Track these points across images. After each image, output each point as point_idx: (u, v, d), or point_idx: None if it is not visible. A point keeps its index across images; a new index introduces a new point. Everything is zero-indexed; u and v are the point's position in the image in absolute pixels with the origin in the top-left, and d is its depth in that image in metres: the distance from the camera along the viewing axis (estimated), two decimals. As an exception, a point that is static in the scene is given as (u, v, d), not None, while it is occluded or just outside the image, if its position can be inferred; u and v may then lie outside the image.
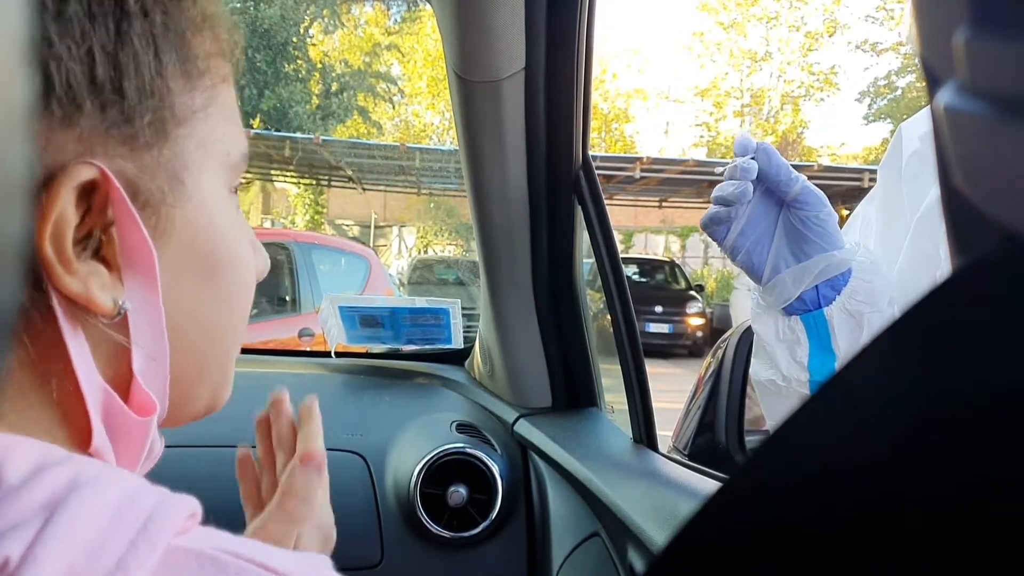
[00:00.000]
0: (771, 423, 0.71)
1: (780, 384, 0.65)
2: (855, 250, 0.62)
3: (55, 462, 0.27)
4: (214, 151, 0.34)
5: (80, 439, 0.31)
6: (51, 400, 0.30)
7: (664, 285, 9.71)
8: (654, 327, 8.36)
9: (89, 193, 0.29)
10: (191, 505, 0.28)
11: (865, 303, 0.61)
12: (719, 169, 0.64)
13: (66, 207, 0.28)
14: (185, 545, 0.26)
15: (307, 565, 0.28)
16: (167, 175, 0.32)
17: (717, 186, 0.62)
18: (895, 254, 0.71)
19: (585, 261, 1.01)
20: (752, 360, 0.70)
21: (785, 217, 0.63)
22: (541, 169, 0.90)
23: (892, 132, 0.76)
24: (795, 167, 0.64)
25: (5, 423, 0.29)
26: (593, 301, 1.04)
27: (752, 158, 0.61)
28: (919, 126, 0.71)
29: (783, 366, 0.65)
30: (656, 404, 0.89)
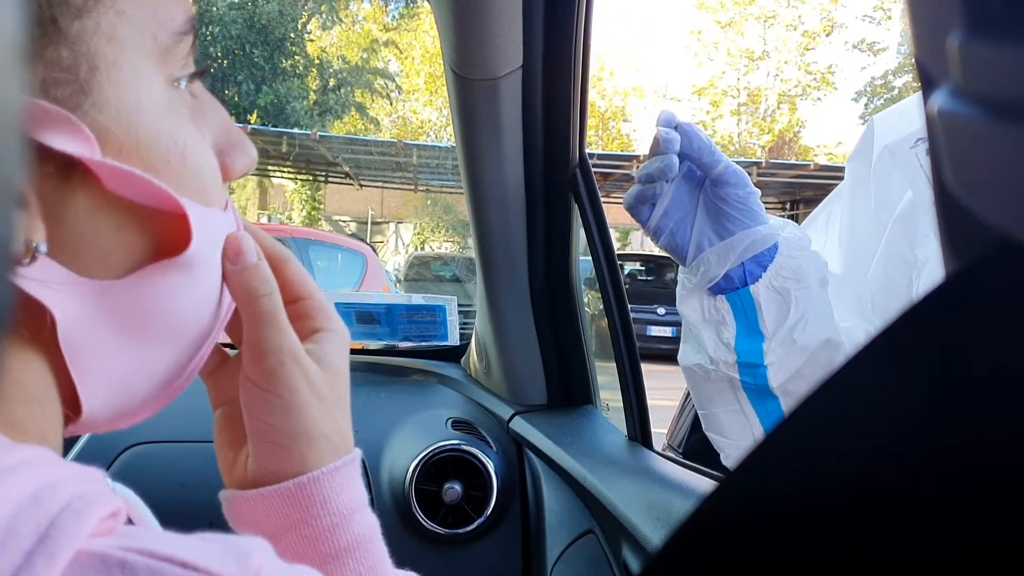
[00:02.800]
0: (701, 412, 0.68)
1: (708, 368, 0.64)
2: (780, 225, 0.61)
3: None
4: (132, 39, 0.28)
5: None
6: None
7: (671, 284, 9.64)
8: (656, 330, 7.58)
9: None
10: (111, 504, 0.24)
11: (792, 279, 0.60)
12: (643, 155, 0.63)
13: None
14: (91, 549, 0.23)
15: (239, 558, 0.24)
16: (68, 85, 0.27)
17: (641, 165, 0.61)
18: (863, 250, 0.71)
19: (581, 259, 1.01)
20: (680, 346, 0.68)
21: (707, 196, 0.62)
22: (538, 167, 0.90)
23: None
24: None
25: None
26: (595, 300, 1.04)
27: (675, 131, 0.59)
28: (891, 119, 0.70)
29: (710, 348, 0.63)
30: (651, 402, 0.89)
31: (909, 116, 0.67)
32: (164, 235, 0.30)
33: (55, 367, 0.29)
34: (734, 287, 0.61)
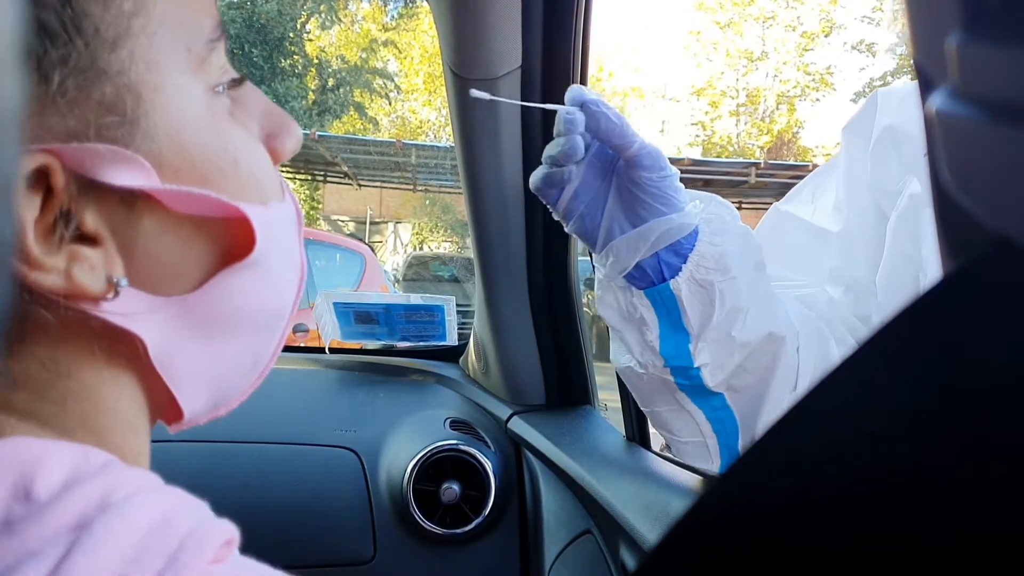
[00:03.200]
0: (645, 409, 0.64)
1: (639, 371, 0.59)
2: (697, 212, 0.55)
3: (87, 476, 0.25)
4: (168, 58, 0.29)
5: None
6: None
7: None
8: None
9: (42, 175, 0.26)
10: (227, 531, 0.26)
11: (715, 270, 0.54)
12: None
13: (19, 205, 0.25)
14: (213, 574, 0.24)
15: None
16: (119, 124, 0.27)
17: (549, 144, 0.55)
18: (861, 219, 0.67)
19: (580, 259, 1.01)
20: (611, 344, 0.63)
21: (620, 179, 0.56)
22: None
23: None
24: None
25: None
26: (594, 301, 1.04)
27: (581, 110, 0.53)
28: (896, 98, 0.66)
29: (635, 351, 0.58)
30: (650, 402, 0.89)
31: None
32: (230, 239, 0.31)
33: (147, 385, 0.31)
34: (651, 282, 0.55)
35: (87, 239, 0.27)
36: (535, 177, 0.56)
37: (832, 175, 0.74)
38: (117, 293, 0.28)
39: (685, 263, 0.54)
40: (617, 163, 0.56)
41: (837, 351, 0.59)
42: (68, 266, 0.26)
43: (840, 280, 0.68)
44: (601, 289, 0.59)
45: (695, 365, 0.55)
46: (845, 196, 0.70)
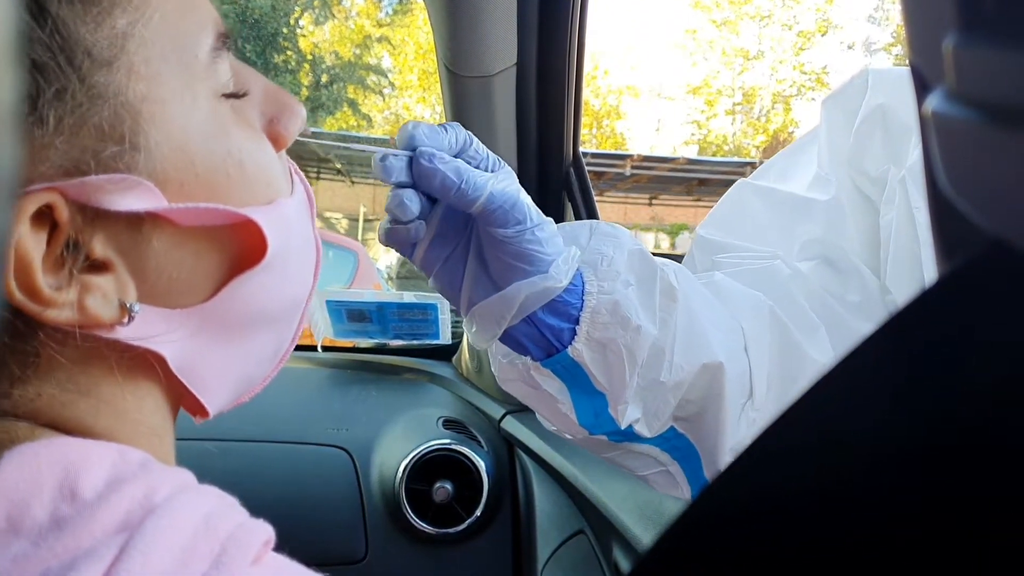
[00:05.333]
0: (597, 455, 0.54)
1: (569, 437, 0.51)
2: (570, 265, 0.45)
3: (128, 476, 0.26)
4: (165, 71, 0.28)
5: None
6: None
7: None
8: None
9: (46, 212, 0.25)
10: (266, 532, 0.27)
11: (614, 324, 0.45)
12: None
13: (24, 244, 0.25)
14: None
15: None
16: (119, 151, 0.27)
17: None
18: (847, 206, 0.63)
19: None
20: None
21: (478, 232, 0.46)
22: (532, 165, 0.89)
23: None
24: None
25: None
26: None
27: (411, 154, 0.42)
28: (891, 80, 0.62)
29: (553, 425, 0.51)
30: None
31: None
32: (242, 244, 0.31)
33: (170, 391, 0.32)
34: (550, 349, 0.46)
35: (97, 266, 0.27)
36: (380, 232, 0.46)
37: (807, 151, 0.70)
38: (132, 318, 0.28)
39: (577, 324, 0.45)
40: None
41: (798, 334, 0.52)
42: (80, 297, 0.26)
43: (815, 253, 0.63)
44: (497, 366, 0.50)
45: (622, 428, 0.47)
46: (830, 168, 0.65)
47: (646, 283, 0.47)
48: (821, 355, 0.51)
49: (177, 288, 0.29)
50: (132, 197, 0.27)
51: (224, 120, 0.31)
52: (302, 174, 0.37)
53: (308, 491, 0.99)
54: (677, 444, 0.51)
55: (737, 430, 0.49)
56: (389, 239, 0.46)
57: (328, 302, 1.30)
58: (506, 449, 1.07)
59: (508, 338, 0.47)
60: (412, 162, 0.42)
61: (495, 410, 1.11)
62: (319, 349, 1.34)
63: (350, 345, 1.43)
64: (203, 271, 0.30)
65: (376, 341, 1.37)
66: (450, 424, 1.08)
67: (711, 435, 0.49)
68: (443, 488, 0.98)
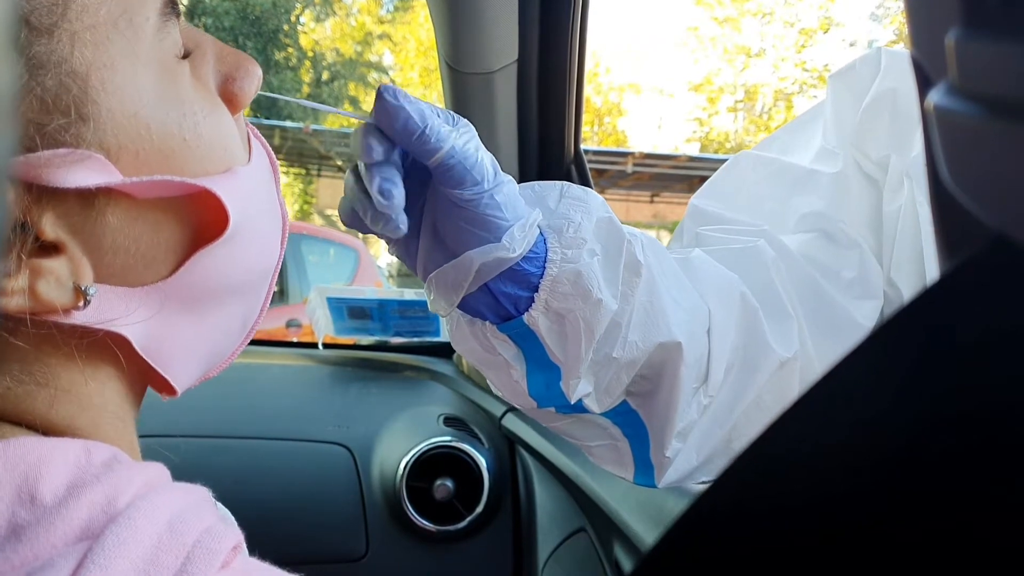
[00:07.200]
0: (545, 424, 0.54)
1: (518, 406, 0.50)
2: (527, 232, 0.42)
3: (90, 479, 0.25)
4: (119, 31, 0.27)
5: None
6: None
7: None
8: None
9: None
10: (235, 536, 0.26)
11: (574, 295, 0.43)
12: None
13: None
14: None
15: None
16: (66, 122, 0.25)
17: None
18: (852, 180, 0.61)
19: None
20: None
21: (435, 194, 0.43)
22: (533, 162, 0.89)
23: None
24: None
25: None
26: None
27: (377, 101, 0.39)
28: (904, 59, 0.60)
29: (505, 394, 0.49)
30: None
31: None
32: (202, 215, 0.30)
33: (134, 371, 0.30)
34: (506, 315, 0.44)
35: (48, 249, 0.26)
36: (342, 211, 0.44)
37: (810, 125, 0.68)
38: (88, 302, 0.26)
39: (536, 292, 0.43)
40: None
41: (765, 323, 0.50)
42: (32, 283, 0.25)
43: (813, 225, 0.61)
44: (453, 325, 0.47)
45: (571, 403, 0.46)
46: (837, 142, 0.64)
47: (612, 254, 0.44)
48: (784, 348, 0.49)
49: (136, 265, 0.28)
50: (82, 171, 0.25)
51: (178, 84, 0.29)
52: (263, 139, 0.35)
53: (309, 488, 0.99)
54: (629, 420, 0.50)
55: (687, 413, 0.47)
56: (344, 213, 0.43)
57: (329, 299, 1.30)
58: (507, 446, 1.07)
59: (467, 305, 0.45)
60: (377, 97, 0.39)
61: (496, 407, 1.11)
62: (320, 346, 1.34)
63: (351, 342, 1.43)
64: (162, 245, 0.29)
65: (377, 338, 1.37)
66: (451, 421, 1.08)
67: (660, 415, 0.48)
68: (444, 485, 0.98)
